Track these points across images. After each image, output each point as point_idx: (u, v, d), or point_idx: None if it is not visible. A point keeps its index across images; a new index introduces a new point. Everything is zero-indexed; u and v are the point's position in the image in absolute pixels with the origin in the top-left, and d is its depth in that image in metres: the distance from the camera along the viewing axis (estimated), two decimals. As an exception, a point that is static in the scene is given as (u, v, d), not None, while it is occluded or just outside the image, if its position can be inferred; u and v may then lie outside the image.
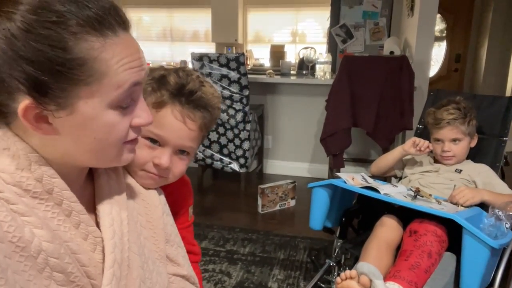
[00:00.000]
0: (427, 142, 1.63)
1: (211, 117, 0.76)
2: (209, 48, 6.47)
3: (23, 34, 0.45)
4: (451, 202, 1.46)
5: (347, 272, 1.17)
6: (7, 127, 0.52)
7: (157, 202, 0.72)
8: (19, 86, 0.46)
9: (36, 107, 0.48)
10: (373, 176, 1.71)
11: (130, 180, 0.69)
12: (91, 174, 0.61)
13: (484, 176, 1.57)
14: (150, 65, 7.31)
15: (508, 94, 4.79)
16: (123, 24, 0.51)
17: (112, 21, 0.49)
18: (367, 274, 1.14)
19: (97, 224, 0.57)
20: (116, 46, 0.49)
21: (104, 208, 0.58)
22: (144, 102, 0.56)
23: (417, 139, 1.64)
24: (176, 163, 0.75)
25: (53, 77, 0.46)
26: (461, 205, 1.43)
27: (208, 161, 3.18)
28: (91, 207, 0.58)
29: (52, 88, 0.47)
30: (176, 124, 0.71)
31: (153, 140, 0.72)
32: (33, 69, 0.46)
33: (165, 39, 7.00)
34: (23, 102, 0.47)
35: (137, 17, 7.04)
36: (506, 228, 1.25)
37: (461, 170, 1.61)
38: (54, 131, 0.50)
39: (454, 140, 1.62)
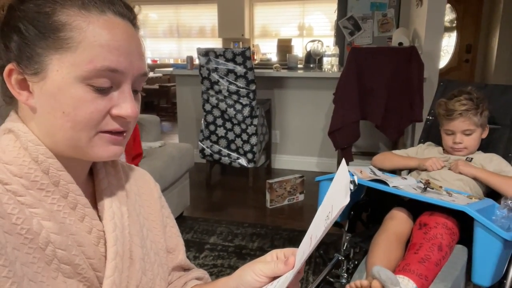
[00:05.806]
0: (440, 163, 1.59)
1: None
2: (216, 44, 6.46)
3: (17, 4, 0.50)
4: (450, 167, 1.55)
5: (357, 282, 1.13)
6: (16, 115, 0.54)
7: (156, 195, 0.72)
8: (10, 55, 0.50)
9: (18, 71, 0.50)
10: (382, 169, 1.69)
11: (130, 174, 0.68)
12: (92, 173, 0.62)
13: (496, 164, 1.55)
14: (158, 62, 7.30)
15: (520, 84, 4.68)
16: (119, 9, 0.52)
17: (101, 3, 0.51)
18: (385, 282, 1.07)
19: (99, 218, 0.57)
20: (99, 23, 0.50)
21: (105, 203, 0.58)
22: (131, 97, 0.53)
23: (435, 164, 1.58)
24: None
25: (33, 41, 0.49)
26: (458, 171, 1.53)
27: (216, 156, 3.18)
28: (93, 203, 0.58)
29: (30, 52, 0.49)
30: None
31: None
32: (20, 34, 0.49)
33: (172, 36, 7.01)
34: (8, 66, 0.50)
35: (143, 14, 7.03)
36: (519, 219, 1.22)
37: (471, 159, 1.58)
38: (33, 100, 0.51)
39: (466, 132, 1.58)
